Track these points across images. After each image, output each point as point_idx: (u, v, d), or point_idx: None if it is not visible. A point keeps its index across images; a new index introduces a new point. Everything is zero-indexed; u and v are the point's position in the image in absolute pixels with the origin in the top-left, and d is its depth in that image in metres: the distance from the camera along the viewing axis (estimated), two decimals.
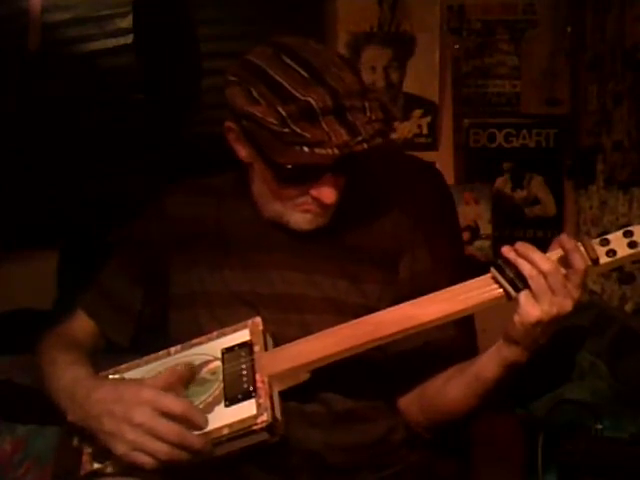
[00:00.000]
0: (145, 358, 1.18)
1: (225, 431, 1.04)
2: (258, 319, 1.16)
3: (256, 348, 1.12)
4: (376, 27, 2.56)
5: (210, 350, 1.14)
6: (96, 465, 1.09)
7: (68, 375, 1.15)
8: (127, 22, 2.51)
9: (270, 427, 1.04)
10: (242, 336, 1.14)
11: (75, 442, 1.14)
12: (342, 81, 1.11)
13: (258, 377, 1.08)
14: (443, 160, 2.52)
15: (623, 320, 2.05)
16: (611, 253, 1.07)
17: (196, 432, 1.05)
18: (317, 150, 1.08)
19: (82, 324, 1.32)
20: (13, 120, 2.49)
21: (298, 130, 1.07)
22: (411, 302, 1.13)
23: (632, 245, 1.07)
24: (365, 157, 1.17)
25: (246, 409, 1.05)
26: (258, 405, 1.04)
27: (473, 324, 1.61)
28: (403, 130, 2.56)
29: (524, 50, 2.56)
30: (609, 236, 1.08)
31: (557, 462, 1.51)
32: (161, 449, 1.02)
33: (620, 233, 1.08)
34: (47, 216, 2.54)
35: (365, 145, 1.10)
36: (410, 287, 1.27)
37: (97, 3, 2.53)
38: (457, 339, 1.28)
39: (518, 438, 1.42)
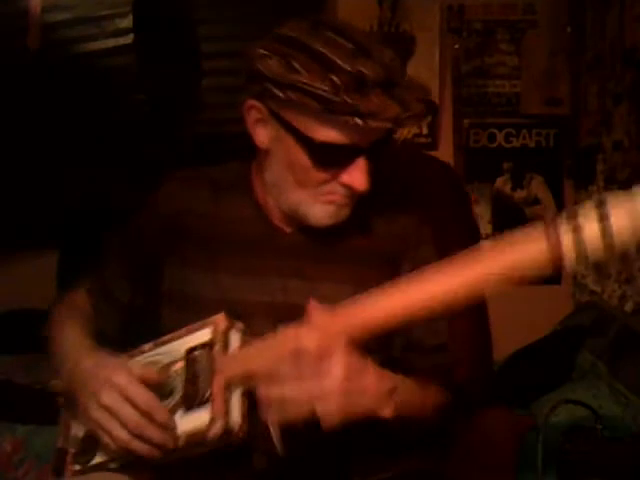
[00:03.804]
0: (125, 354, 1.13)
1: (182, 440, 1.02)
2: (221, 316, 1.08)
3: (216, 349, 1.05)
4: (376, 27, 2.56)
5: (176, 349, 1.09)
6: (77, 467, 1.10)
7: (69, 340, 1.16)
8: (127, 22, 2.52)
9: (224, 436, 1.00)
10: (205, 335, 1.07)
11: (60, 443, 1.15)
12: (387, 56, 1.06)
13: (215, 382, 1.03)
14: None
15: (623, 320, 2.06)
16: None
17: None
18: (370, 122, 1.01)
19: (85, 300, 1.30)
20: (13, 120, 2.49)
21: (349, 100, 1.00)
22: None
23: None
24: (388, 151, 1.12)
25: (200, 418, 1.01)
26: (212, 414, 1.01)
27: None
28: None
29: (524, 50, 2.57)
30: None
31: (557, 462, 1.52)
32: (120, 435, 1.01)
33: None
34: (47, 216, 2.54)
35: (414, 122, 1.06)
36: None
37: (97, 3, 2.53)
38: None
39: (515, 435, 1.42)
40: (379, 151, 1.10)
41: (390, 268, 1.19)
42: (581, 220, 0.85)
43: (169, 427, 1.02)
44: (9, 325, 2.40)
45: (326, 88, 1.00)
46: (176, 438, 1.02)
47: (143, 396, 1.03)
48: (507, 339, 1.72)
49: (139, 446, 1.02)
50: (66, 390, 1.12)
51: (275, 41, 1.07)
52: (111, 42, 2.54)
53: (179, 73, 2.56)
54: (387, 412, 0.99)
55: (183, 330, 1.10)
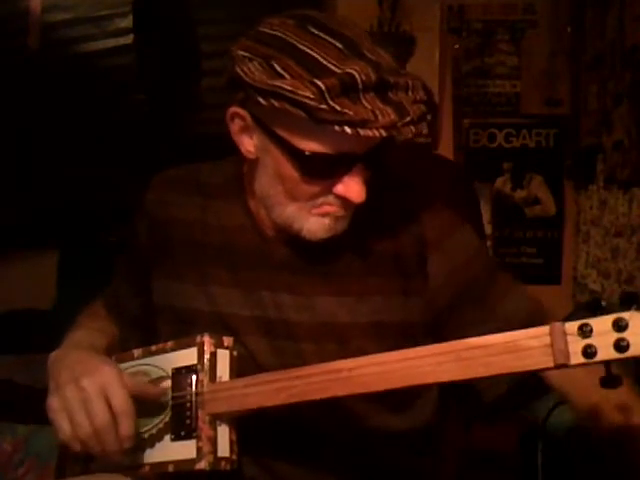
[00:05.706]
0: (115, 356, 1.13)
1: (170, 468, 1.02)
2: (206, 339, 1.02)
3: (201, 376, 1.02)
4: (376, 27, 2.56)
5: (165, 364, 1.07)
6: (79, 466, 1.12)
7: (76, 332, 1.15)
8: (127, 22, 2.52)
9: (212, 467, 1.00)
10: (192, 355, 1.03)
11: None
12: (380, 55, 0.97)
13: (200, 415, 1.01)
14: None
15: None
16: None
17: (146, 462, 1.04)
18: (361, 131, 0.90)
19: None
20: (13, 120, 2.50)
21: (338, 107, 0.89)
22: (404, 351, 0.90)
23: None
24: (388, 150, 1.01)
25: (188, 450, 1.01)
26: (198, 449, 0.99)
27: None
28: None
29: (524, 50, 2.57)
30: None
31: (557, 463, 1.52)
32: (82, 424, 0.98)
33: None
34: (47, 216, 2.54)
35: (412, 128, 0.94)
36: (448, 291, 1.10)
37: (97, 3, 2.54)
38: None
39: (513, 440, 1.42)
40: (378, 155, 0.99)
41: (402, 275, 1.09)
42: (596, 341, 0.82)
43: (127, 441, 0.99)
44: (9, 325, 2.40)
45: (311, 95, 0.89)
46: (164, 464, 1.02)
47: (120, 399, 0.99)
48: None
49: (95, 445, 0.99)
50: (49, 367, 1.06)
51: (257, 41, 0.96)
52: (111, 42, 2.54)
53: (179, 73, 2.56)
54: None
55: (172, 343, 1.07)
